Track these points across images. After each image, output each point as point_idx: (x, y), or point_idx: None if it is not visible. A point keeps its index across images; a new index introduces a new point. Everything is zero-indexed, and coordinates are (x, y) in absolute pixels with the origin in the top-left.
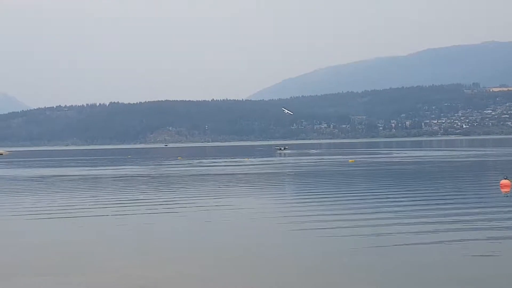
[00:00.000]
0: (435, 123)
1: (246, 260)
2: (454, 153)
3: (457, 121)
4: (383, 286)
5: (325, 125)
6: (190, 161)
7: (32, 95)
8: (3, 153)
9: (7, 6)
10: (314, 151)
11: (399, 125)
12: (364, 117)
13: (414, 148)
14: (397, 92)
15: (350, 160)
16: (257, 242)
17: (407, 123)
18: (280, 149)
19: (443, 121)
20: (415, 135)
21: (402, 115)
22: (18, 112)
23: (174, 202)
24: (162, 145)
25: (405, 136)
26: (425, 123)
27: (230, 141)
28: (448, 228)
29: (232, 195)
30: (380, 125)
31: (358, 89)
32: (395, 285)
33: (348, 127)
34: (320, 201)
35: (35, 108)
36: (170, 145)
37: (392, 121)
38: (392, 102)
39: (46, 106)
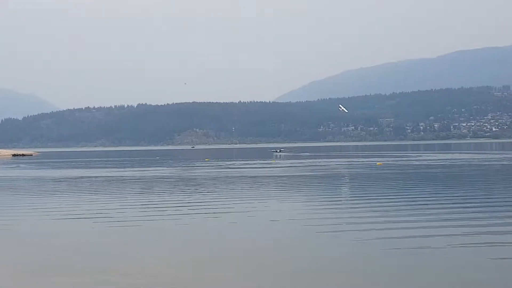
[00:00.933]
0: (464, 126)
1: (286, 263)
2: (486, 156)
3: (486, 124)
4: None
5: (353, 127)
6: (220, 163)
7: (61, 97)
8: (32, 154)
9: (35, 6)
10: (307, 153)
11: (428, 127)
12: (392, 119)
13: (443, 151)
14: (426, 94)
15: (378, 163)
16: (292, 243)
17: (436, 125)
18: (277, 151)
19: (472, 124)
20: (443, 138)
21: (431, 117)
22: (47, 113)
23: (206, 204)
24: (189, 147)
25: (433, 139)
26: (454, 126)
27: (256, 143)
28: (484, 231)
29: (264, 197)
30: (408, 127)
31: (386, 91)
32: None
33: (376, 129)
34: (354, 204)
35: (64, 109)
36: (197, 146)
37: (420, 124)
38: (421, 104)
39: (75, 108)
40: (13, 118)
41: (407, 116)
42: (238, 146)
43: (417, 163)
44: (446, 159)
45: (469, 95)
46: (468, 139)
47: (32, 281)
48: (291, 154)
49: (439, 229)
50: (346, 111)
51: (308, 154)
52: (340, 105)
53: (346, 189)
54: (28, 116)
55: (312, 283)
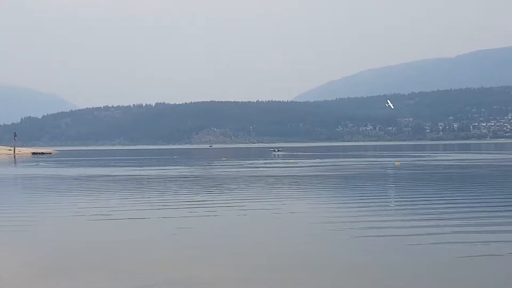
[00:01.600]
0: (484, 126)
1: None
2: (508, 156)
3: (506, 124)
4: None
5: (371, 127)
6: (239, 162)
7: (80, 96)
8: (52, 152)
9: (52, 7)
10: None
11: (447, 127)
12: (411, 119)
13: (463, 151)
14: (445, 94)
15: (396, 163)
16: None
17: (455, 125)
18: (275, 150)
19: (492, 124)
20: (463, 138)
21: (450, 117)
22: (66, 112)
23: (226, 204)
24: (207, 146)
25: (452, 139)
26: (473, 125)
27: (274, 142)
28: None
29: (286, 197)
30: (427, 127)
31: (405, 91)
32: None
33: (394, 129)
34: (384, 206)
35: (83, 108)
36: (214, 145)
37: (439, 124)
38: (440, 104)
39: (93, 106)
40: (33, 117)
41: (426, 116)
42: (255, 145)
43: (435, 163)
44: (467, 159)
45: (489, 95)
46: (487, 139)
47: (50, 281)
48: (288, 153)
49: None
50: (393, 107)
51: (303, 153)
52: (388, 101)
53: (376, 190)
54: (47, 114)
55: None
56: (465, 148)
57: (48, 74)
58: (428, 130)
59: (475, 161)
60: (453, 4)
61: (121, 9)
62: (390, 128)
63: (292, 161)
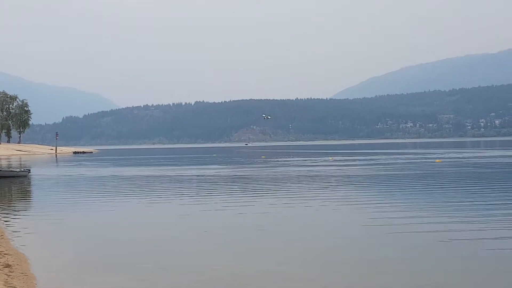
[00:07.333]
0: None
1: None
2: None
3: None
4: None
5: (411, 124)
6: (280, 160)
7: (120, 95)
8: (93, 151)
9: (97, 7)
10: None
11: (489, 124)
12: (452, 116)
13: (504, 148)
14: (487, 90)
15: (437, 160)
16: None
17: (497, 122)
18: (246, 144)
19: None
20: (505, 135)
21: (492, 114)
22: (107, 111)
23: (272, 204)
24: (243, 144)
25: (494, 136)
26: None
27: (313, 140)
28: None
29: (339, 198)
30: (468, 124)
31: (445, 87)
32: None
33: (435, 126)
34: (431, 205)
35: (124, 107)
36: (251, 144)
37: (481, 120)
38: (481, 100)
39: (133, 105)
40: (74, 116)
41: (467, 113)
42: (294, 143)
43: (477, 160)
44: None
45: None
46: None
47: (90, 279)
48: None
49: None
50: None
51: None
52: (263, 115)
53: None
54: (88, 114)
55: None
56: (508, 145)
57: (90, 74)
58: (469, 127)
59: None
60: (496, 0)
61: (162, 10)
62: (430, 125)
63: (331, 159)
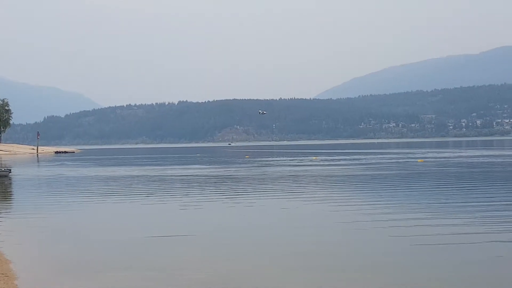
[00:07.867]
0: (507, 122)
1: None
2: None
3: None
4: None
5: (394, 124)
6: (263, 160)
7: (102, 94)
8: (75, 151)
9: (81, 6)
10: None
11: (470, 124)
12: (434, 116)
13: (485, 147)
14: (468, 90)
15: (419, 160)
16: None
17: (478, 122)
18: (229, 144)
19: None
20: (486, 135)
21: (473, 114)
22: (89, 110)
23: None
24: (226, 144)
25: (476, 136)
26: (496, 122)
27: (297, 140)
28: None
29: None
30: (450, 124)
31: (428, 88)
32: None
33: (417, 126)
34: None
35: (106, 106)
36: (234, 143)
37: (462, 121)
38: (463, 101)
39: (116, 105)
40: (56, 116)
41: (449, 113)
42: (278, 143)
43: (458, 160)
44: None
45: None
46: (511, 136)
47: (71, 279)
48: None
49: None
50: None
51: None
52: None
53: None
54: (70, 113)
55: None
56: (488, 145)
57: (72, 73)
58: (451, 127)
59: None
60: (477, 1)
61: (145, 7)
62: (413, 125)
63: (314, 158)
